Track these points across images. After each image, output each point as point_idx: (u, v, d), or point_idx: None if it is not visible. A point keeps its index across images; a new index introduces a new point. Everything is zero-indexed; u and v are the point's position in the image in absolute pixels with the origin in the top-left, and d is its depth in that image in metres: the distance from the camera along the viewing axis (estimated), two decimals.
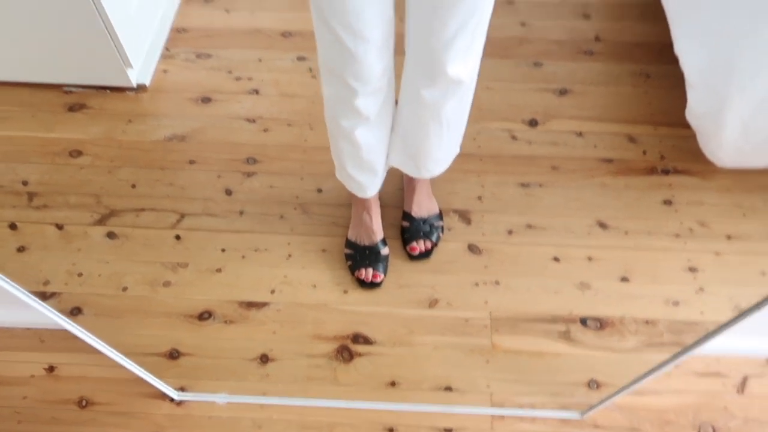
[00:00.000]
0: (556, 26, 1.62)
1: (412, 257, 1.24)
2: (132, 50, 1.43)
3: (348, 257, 1.23)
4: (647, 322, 1.18)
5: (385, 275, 1.22)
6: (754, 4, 1.11)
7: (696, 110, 1.23)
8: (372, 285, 1.21)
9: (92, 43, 1.37)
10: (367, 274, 1.20)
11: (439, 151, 1.12)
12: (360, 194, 1.19)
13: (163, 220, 1.30)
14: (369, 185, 1.17)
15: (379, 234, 1.23)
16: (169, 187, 1.35)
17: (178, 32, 1.61)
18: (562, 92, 1.49)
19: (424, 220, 1.25)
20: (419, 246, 1.23)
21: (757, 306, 0.58)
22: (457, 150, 1.17)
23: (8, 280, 0.63)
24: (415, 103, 1.01)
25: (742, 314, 0.61)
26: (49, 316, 0.73)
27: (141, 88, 1.50)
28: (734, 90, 1.14)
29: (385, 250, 1.23)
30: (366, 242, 1.22)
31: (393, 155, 1.16)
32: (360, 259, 1.21)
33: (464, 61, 0.92)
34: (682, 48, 1.25)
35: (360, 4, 0.82)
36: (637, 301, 1.20)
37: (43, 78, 1.48)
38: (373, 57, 0.89)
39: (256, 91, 1.50)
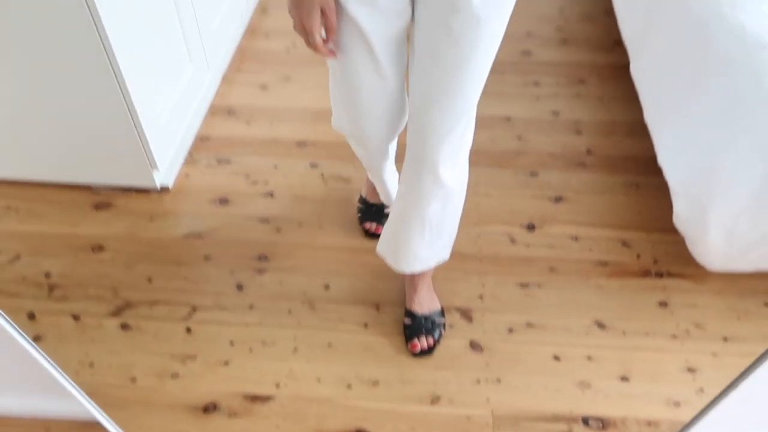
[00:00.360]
0: (550, 141, 1.75)
1: (414, 354, 1.27)
2: (159, 155, 1.55)
3: (359, 210, 1.52)
4: (649, 423, 1.19)
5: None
6: (728, 119, 1.23)
7: (682, 217, 1.31)
8: (375, 235, 1.44)
9: (124, 147, 1.49)
10: (371, 226, 1.47)
11: (419, 249, 1.20)
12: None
13: (176, 313, 1.35)
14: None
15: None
16: (183, 281, 1.41)
17: (201, 140, 1.75)
18: (558, 199, 1.59)
19: (426, 317, 1.29)
20: (420, 343, 1.27)
21: (720, 396, 0.62)
22: (444, 256, 1.26)
23: (52, 361, 0.68)
24: (405, 196, 1.13)
25: (708, 406, 0.64)
26: (84, 405, 0.76)
27: (164, 189, 1.61)
28: (715, 199, 1.22)
29: (388, 210, 1.45)
30: (374, 200, 1.48)
31: (381, 242, 1.27)
32: (368, 213, 1.49)
33: (453, 165, 1.04)
34: (664, 160, 1.35)
35: (372, 117, 1.04)
36: (637, 400, 1.21)
37: (74, 179, 1.60)
38: (379, 142, 1.15)
39: (271, 194, 1.61)
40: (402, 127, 1.14)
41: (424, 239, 1.18)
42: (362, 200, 1.52)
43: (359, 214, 1.51)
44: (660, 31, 1.55)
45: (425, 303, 1.30)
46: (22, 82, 1.40)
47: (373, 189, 1.46)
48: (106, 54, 1.31)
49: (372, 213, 1.49)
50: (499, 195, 1.60)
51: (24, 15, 1.27)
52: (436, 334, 1.28)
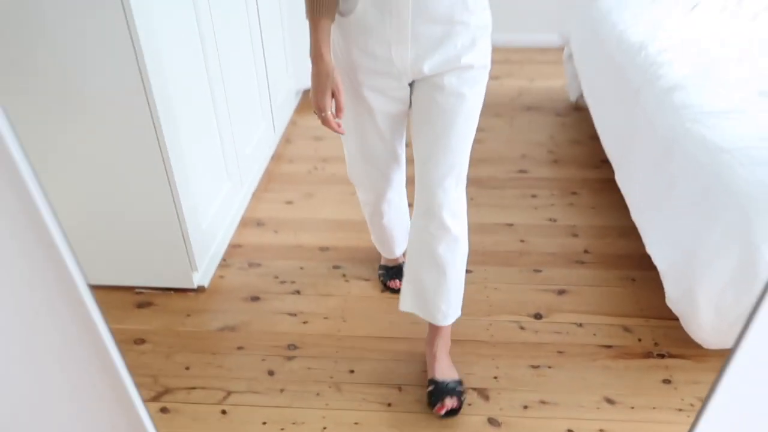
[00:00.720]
0: (550, 242, 1.93)
1: (441, 416, 1.36)
2: (199, 258, 1.73)
3: (380, 274, 1.80)
4: None
5: None
6: (700, 210, 1.42)
7: (674, 298, 1.45)
8: (399, 291, 1.55)
9: (170, 252, 1.68)
10: (395, 283, 1.74)
11: (437, 297, 1.38)
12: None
13: (212, 397, 1.44)
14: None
15: (401, 260, 1.77)
16: (218, 369, 1.52)
17: (234, 247, 1.94)
18: (561, 292, 1.73)
19: (448, 383, 1.40)
20: (446, 404, 1.36)
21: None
22: (457, 313, 1.43)
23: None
24: (415, 242, 1.37)
25: None
26: None
27: (200, 288, 1.76)
28: (700, 278, 1.37)
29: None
30: (392, 264, 1.79)
31: (405, 300, 1.42)
32: (389, 274, 1.77)
33: (453, 215, 1.30)
34: (652, 248, 1.52)
35: (375, 168, 1.44)
36: None
37: (121, 281, 1.77)
38: (381, 185, 1.49)
39: (298, 292, 1.76)
40: (398, 177, 1.50)
41: (441, 287, 1.36)
42: (381, 267, 1.81)
43: (381, 279, 1.79)
44: (636, 146, 1.80)
45: (446, 371, 1.42)
46: (87, 200, 1.62)
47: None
48: (167, 174, 1.54)
49: (392, 272, 1.77)
50: (507, 289, 1.75)
51: (99, 143, 1.51)
52: (459, 396, 1.38)
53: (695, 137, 1.56)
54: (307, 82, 2.78)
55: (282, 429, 1.37)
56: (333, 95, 1.22)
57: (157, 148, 1.50)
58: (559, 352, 1.54)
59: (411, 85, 1.29)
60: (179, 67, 1.57)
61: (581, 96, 2.59)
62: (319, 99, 1.22)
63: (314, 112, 1.24)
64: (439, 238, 1.31)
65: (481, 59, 1.23)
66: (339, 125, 1.25)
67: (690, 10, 2.32)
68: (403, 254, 1.78)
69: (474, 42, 1.20)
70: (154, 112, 1.45)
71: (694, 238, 1.42)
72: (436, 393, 1.39)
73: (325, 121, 1.23)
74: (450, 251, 1.32)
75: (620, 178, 1.86)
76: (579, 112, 2.71)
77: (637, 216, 1.69)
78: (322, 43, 1.18)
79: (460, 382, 1.42)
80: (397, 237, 1.70)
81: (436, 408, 1.36)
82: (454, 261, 1.35)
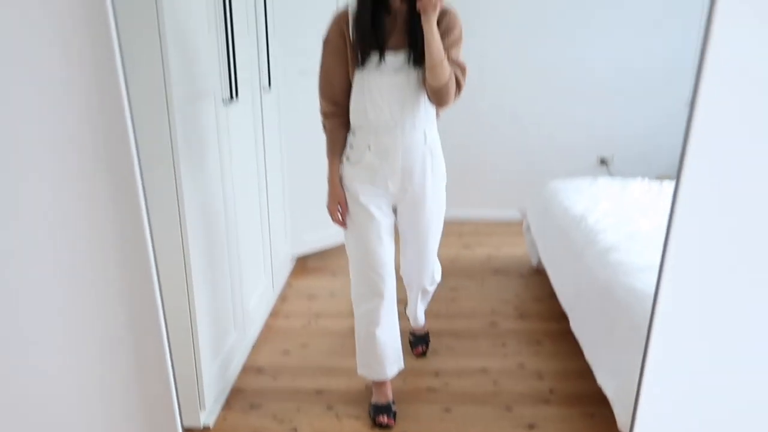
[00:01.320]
0: (519, 383, 2.18)
1: (417, 356, 2.32)
2: (207, 398, 1.93)
3: (370, 412, 2.01)
4: None
5: (395, 421, 1.97)
6: (636, 344, 1.72)
7: (622, 421, 1.69)
8: (387, 427, 1.95)
9: (185, 391, 1.88)
10: (383, 418, 1.96)
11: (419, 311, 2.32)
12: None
13: None
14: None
15: (390, 399, 2.03)
16: None
17: (236, 391, 2.14)
18: (531, 426, 1.95)
19: (420, 335, 2.39)
20: (419, 349, 2.34)
21: None
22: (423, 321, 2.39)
23: None
24: (413, 298, 2.23)
25: None
26: None
27: (206, 428, 1.94)
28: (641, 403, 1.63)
29: (393, 407, 2.01)
30: (383, 402, 2.01)
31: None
32: (378, 411, 1.98)
33: (429, 278, 2.14)
34: (602, 379, 1.80)
35: (376, 268, 1.91)
36: None
37: None
38: (382, 285, 1.93)
39: (295, 429, 1.94)
40: (392, 283, 1.93)
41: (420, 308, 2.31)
42: (371, 405, 2.02)
43: (371, 416, 1.98)
44: (583, 296, 2.15)
45: (420, 329, 2.39)
46: None
47: (380, 395, 2.01)
48: (191, 326, 1.82)
49: (381, 409, 1.98)
50: (483, 425, 1.96)
51: None
52: (427, 345, 2.36)
53: (628, 288, 1.91)
54: (300, 250, 3.19)
55: None
56: (340, 205, 1.89)
57: (187, 305, 1.80)
58: None
59: (398, 203, 1.93)
60: (205, 234, 1.94)
61: (540, 261, 3.00)
62: (331, 207, 1.92)
63: (329, 214, 1.92)
64: (420, 301, 2.27)
65: (442, 180, 1.93)
66: (343, 222, 1.91)
67: (620, 191, 2.84)
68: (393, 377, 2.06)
69: (435, 170, 1.89)
70: (188, 275, 1.77)
71: (633, 369, 1.71)
72: (414, 342, 2.36)
73: (334, 220, 1.91)
74: (425, 302, 2.29)
75: (573, 325, 2.18)
76: (539, 274, 3.10)
77: (588, 354, 1.98)
78: (334, 174, 1.89)
79: (428, 333, 2.40)
80: (391, 353, 1.99)
81: (414, 352, 2.32)
82: (425, 301, 2.30)
